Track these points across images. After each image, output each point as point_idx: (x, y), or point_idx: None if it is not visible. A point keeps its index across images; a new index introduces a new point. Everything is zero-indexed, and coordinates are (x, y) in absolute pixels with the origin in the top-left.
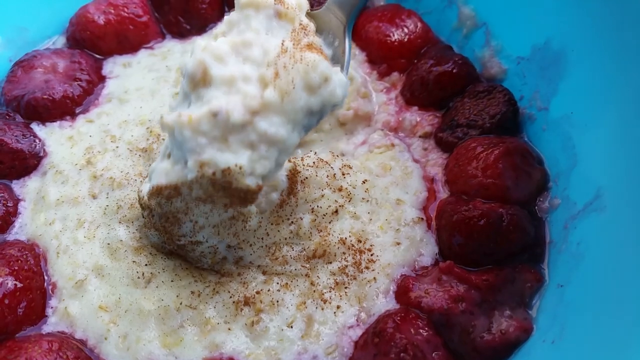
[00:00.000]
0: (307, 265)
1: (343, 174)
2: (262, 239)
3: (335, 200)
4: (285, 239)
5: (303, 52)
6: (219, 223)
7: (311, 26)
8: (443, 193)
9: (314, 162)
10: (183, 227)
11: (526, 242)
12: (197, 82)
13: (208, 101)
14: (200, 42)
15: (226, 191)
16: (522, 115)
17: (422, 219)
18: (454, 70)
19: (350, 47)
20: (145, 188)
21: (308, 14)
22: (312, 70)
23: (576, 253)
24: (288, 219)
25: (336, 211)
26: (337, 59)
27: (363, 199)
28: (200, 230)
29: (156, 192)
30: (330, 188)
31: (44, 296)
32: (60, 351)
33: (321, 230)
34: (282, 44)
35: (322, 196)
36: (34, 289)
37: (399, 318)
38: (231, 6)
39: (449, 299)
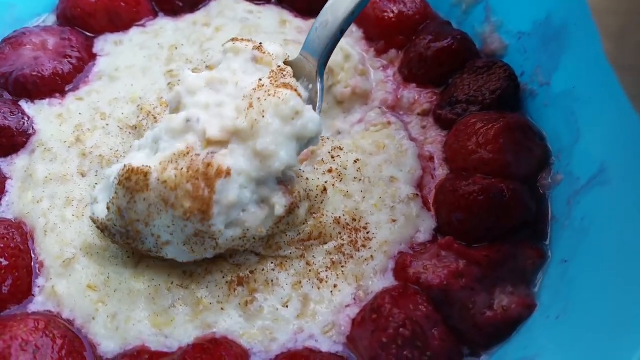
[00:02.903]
0: (302, 247)
1: (332, 157)
2: (254, 238)
3: (326, 181)
4: (282, 230)
5: (278, 89)
6: (188, 240)
7: (288, 70)
8: (442, 170)
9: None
10: (146, 243)
11: (527, 217)
12: (175, 108)
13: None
14: (186, 73)
15: (196, 183)
16: (523, 91)
17: (417, 195)
18: (453, 46)
19: (323, 89)
20: (98, 209)
21: (285, 62)
22: (284, 104)
23: (580, 228)
24: (288, 213)
25: (324, 189)
26: (312, 101)
27: (355, 178)
28: (165, 246)
29: (126, 176)
30: (319, 172)
31: (30, 275)
32: (47, 330)
33: (315, 213)
34: (260, 80)
35: (313, 180)
36: (21, 267)
37: (397, 294)
38: None
39: (448, 274)
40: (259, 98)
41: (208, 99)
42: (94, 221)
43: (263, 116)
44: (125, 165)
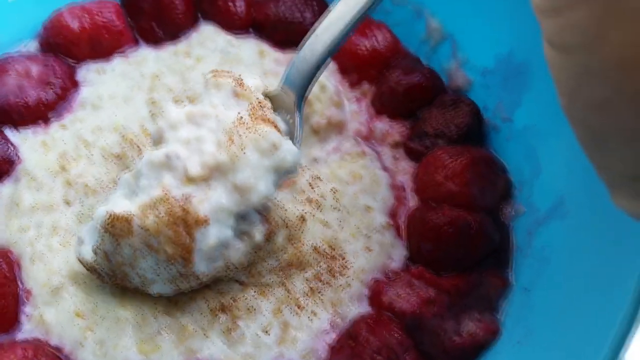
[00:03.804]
0: (282, 274)
1: (311, 187)
2: (236, 267)
3: (305, 211)
4: (261, 257)
5: (257, 124)
6: (173, 279)
7: (267, 103)
8: (412, 201)
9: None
10: (133, 282)
11: (492, 248)
12: (157, 141)
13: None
14: (168, 107)
15: (176, 229)
16: (487, 125)
17: (391, 224)
18: (423, 83)
19: (302, 122)
20: (85, 251)
21: (265, 94)
22: (263, 139)
23: (541, 258)
24: (267, 241)
25: (303, 218)
26: (291, 133)
27: (333, 207)
28: (151, 284)
29: (110, 223)
30: (299, 201)
31: (17, 303)
32: (35, 358)
33: (294, 242)
34: (240, 115)
35: (291, 210)
36: (8, 295)
37: (372, 321)
38: (205, 15)
39: (420, 302)
40: (239, 133)
41: (189, 135)
42: (82, 263)
43: (243, 152)
44: (107, 212)
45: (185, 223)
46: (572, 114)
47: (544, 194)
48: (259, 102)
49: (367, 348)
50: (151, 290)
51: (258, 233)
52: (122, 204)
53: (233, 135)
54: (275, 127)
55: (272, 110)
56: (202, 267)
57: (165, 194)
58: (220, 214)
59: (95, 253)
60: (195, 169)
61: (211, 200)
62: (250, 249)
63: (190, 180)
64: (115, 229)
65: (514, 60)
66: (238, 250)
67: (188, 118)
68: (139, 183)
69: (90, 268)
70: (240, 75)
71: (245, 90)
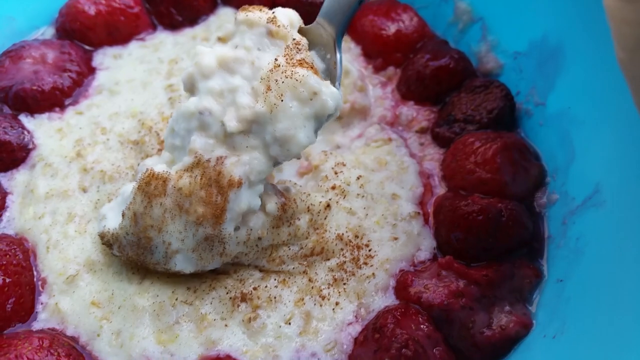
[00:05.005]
0: (305, 263)
1: (335, 173)
2: (257, 245)
3: (330, 198)
4: (284, 241)
5: (294, 68)
6: (197, 246)
7: (304, 43)
8: (440, 188)
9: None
10: (156, 253)
11: (524, 237)
12: (189, 89)
13: (199, 101)
14: (199, 49)
15: (209, 190)
16: (519, 110)
17: (419, 213)
18: (451, 65)
19: (341, 59)
20: (108, 222)
21: (301, 30)
22: (301, 85)
23: (575, 248)
24: (288, 221)
25: (328, 205)
26: (329, 72)
27: (358, 194)
28: (174, 255)
29: (147, 180)
30: (323, 188)
31: (33, 292)
32: (51, 348)
33: (317, 228)
34: (276, 60)
35: (315, 196)
36: (23, 284)
37: (399, 313)
38: None
39: (449, 294)
40: (276, 80)
41: (222, 85)
42: (103, 236)
43: (282, 100)
44: (147, 169)
45: (218, 184)
46: (632, 71)
47: (579, 182)
48: (295, 43)
49: (394, 341)
50: (172, 263)
51: (271, 204)
52: (160, 167)
53: (270, 82)
54: (313, 69)
55: (307, 50)
56: (230, 227)
57: (198, 157)
58: (253, 175)
59: (123, 216)
60: (232, 123)
61: (244, 162)
62: (268, 223)
63: (226, 136)
64: (150, 187)
65: (548, 43)
66: (258, 218)
67: (220, 64)
68: (174, 141)
69: (113, 239)
70: (273, 12)
71: (280, 29)
